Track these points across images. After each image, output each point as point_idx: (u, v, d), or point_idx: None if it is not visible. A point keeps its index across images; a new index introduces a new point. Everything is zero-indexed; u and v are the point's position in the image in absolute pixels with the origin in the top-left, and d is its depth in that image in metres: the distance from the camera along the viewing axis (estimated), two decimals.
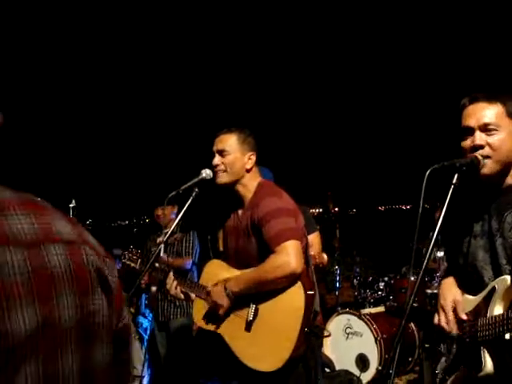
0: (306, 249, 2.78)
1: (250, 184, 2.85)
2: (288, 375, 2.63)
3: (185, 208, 2.91)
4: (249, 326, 2.69)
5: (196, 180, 2.86)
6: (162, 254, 4.41)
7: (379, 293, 5.82)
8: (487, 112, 1.95)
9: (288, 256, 2.56)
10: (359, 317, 5.23)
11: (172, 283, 2.98)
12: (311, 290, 2.65)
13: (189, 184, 2.86)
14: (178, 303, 4.75)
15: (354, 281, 6.04)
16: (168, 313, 4.82)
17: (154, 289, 4.86)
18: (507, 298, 1.88)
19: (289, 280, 2.59)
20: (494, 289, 1.92)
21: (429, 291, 5.16)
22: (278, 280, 2.58)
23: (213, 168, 2.84)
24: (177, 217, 2.88)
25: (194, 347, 4.84)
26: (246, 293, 2.67)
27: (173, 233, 4.38)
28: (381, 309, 5.60)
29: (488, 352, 1.89)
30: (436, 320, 2.14)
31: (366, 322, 5.15)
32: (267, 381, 2.65)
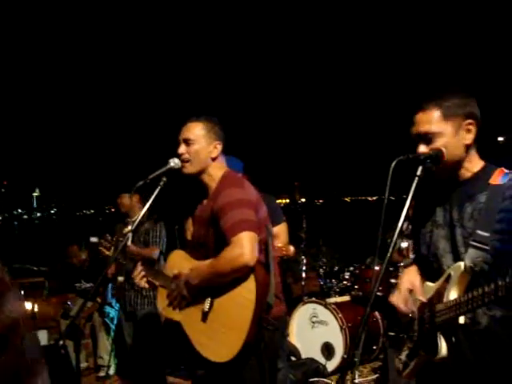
0: (266, 241, 2.77)
1: (214, 174, 2.84)
2: (241, 367, 2.63)
3: (152, 197, 2.89)
4: (205, 316, 2.69)
5: (164, 169, 2.84)
6: (129, 244, 4.40)
7: (345, 282, 5.88)
8: (424, 122, 2.01)
9: (242, 248, 2.54)
10: (325, 306, 5.31)
11: (139, 272, 2.98)
12: (265, 282, 2.63)
13: (156, 173, 2.83)
14: (144, 293, 4.73)
15: (320, 270, 6.09)
16: (135, 303, 4.80)
17: (120, 279, 4.84)
18: (462, 284, 1.94)
19: (242, 272, 2.57)
20: (450, 275, 1.99)
21: (393, 281, 5.26)
22: (232, 272, 2.56)
23: (178, 156, 2.81)
24: (144, 206, 2.86)
25: (162, 337, 4.84)
26: (204, 284, 2.67)
27: (140, 223, 4.36)
28: (346, 298, 5.69)
29: (444, 336, 1.96)
30: (392, 299, 2.23)
31: (331, 311, 5.23)
32: (223, 371, 2.68)
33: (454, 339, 1.96)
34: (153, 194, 2.88)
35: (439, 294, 2.03)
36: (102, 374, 5.59)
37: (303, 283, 6.01)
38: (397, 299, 2.21)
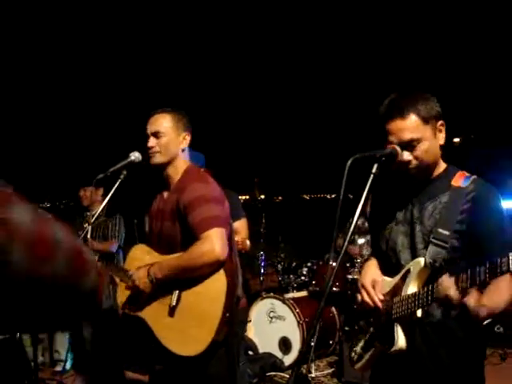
0: (230, 235, 2.79)
1: (179, 166, 2.83)
2: (209, 360, 2.64)
3: (112, 190, 2.88)
4: (172, 311, 2.68)
5: (124, 163, 2.83)
6: (88, 238, 4.36)
7: (302, 278, 5.95)
8: (405, 129, 2.00)
9: (212, 244, 2.56)
10: (283, 301, 5.36)
11: None
12: (234, 276, 2.67)
13: (117, 166, 2.82)
14: None
15: (279, 266, 6.13)
16: None
17: None
18: (421, 279, 2.02)
19: (213, 267, 2.59)
20: (409, 270, 2.06)
21: (349, 276, 5.37)
22: (202, 267, 2.58)
23: (147, 150, 2.79)
24: (104, 199, 2.84)
25: (119, 332, 4.81)
26: (170, 279, 2.66)
27: (99, 216, 4.32)
28: (304, 293, 5.75)
29: (401, 328, 2.03)
30: (359, 298, 2.27)
31: (289, 306, 5.28)
32: (190, 365, 2.68)
33: (411, 332, 2.04)
34: (113, 187, 2.87)
35: (397, 288, 2.09)
36: (58, 368, 5.51)
37: (262, 279, 6.04)
38: (365, 298, 2.22)
